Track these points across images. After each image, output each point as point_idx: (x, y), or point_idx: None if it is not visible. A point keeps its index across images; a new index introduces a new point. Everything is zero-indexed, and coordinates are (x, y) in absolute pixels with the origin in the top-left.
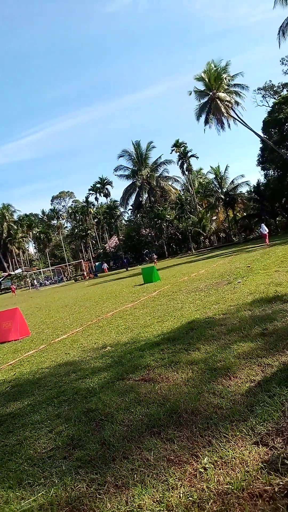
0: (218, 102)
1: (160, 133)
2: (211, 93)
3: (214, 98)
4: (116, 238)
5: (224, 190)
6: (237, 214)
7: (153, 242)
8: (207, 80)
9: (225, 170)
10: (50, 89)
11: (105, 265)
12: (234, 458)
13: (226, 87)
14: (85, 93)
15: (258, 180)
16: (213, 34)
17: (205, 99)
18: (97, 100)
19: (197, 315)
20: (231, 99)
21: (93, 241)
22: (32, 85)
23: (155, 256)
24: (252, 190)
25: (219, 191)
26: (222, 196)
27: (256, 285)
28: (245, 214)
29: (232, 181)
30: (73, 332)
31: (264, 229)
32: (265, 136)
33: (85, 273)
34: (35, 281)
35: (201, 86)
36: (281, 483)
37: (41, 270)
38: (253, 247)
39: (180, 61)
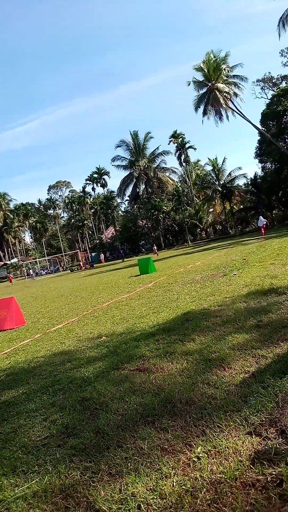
0: (217, 93)
1: (158, 123)
2: (209, 84)
3: (212, 89)
4: (113, 229)
5: (222, 182)
6: (234, 206)
7: (149, 233)
8: (206, 70)
9: (223, 162)
10: (48, 78)
11: (102, 256)
12: (227, 447)
13: (225, 78)
14: (83, 82)
15: (256, 173)
16: (213, 24)
17: (204, 90)
18: (95, 90)
19: (193, 307)
20: (230, 91)
21: (90, 232)
22: (30, 73)
23: (155, 246)
24: (249, 182)
25: (216, 183)
26: (219, 188)
27: (251, 278)
28: (241, 206)
29: (230, 174)
30: (69, 321)
31: (262, 221)
32: (263, 129)
33: (81, 263)
34: (31, 270)
35: (200, 77)
36: (274, 473)
37: (37, 259)
38: (249, 239)
39: (179, 51)
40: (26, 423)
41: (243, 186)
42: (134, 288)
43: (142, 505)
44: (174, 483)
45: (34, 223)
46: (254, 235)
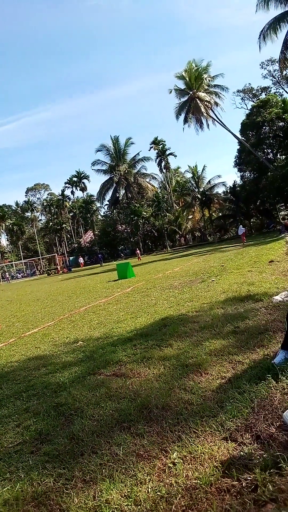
0: (198, 101)
1: (139, 129)
2: (191, 92)
3: (194, 98)
4: (92, 233)
5: (201, 190)
6: (213, 214)
7: (128, 238)
8: (187, 79)
9: (203, 170)
10: (27, 79)
11: (81, 259)
12: (203, 453)
13: (206, 87)
14: (63, 85)
15: (234, 181)
16: (195, 33)
17: (185, 98)
18: (75, 93)
19: (171, 312)
20: (211, 100)
21: (68, 235)
22: (9, 74)
23: (138, 251)
24: (228, 191)
25: (196, 190)
26: (199, 196)
27: (229, 284)
28: (220, 214)
29: (209, 181)
30: (45, 326)
31: (241, 230)
32: (243, 138)
33: (58, 267)
34: (6, 273)
35: (181, 85)
36: (248, 478)
37: (13, 262)
38: (227, 247)
39: (161, 59)
40: None
41: (222, 194)
42: (112, 293)
43: None
44: (149, 489)
45: (10, 226)
46: (233, 242)
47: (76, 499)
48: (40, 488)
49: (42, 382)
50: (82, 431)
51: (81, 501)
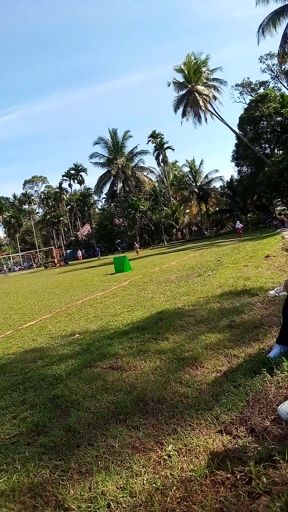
0: (196, 95)
1: (137, 123)
2: (189, 86)
3: (192, 91)
4: (89, 226)
5: (198, 184)
6: (210, 208)
7: (126, 232)
8: (186, 72)
9: (200, 164)
10: (25, 71)
11: (79, 253)
12: (198, 446)
13: (205, 80)
14: (62, 77)
15: (232, 176)
16: (194, 26)
17: (184, 91)
18: (74, 85)
19: (167, 306)
20: (209, 93)
21: (65, 228)
22: (7, 65)
23: (137, 244)
24: (226, 185)
25: (193, 184)
26: (196, 190)
27: (225, 279)
28: (217, 209)
29: (207, 176)
30: (42, 318)
31: (239, 225)
32: (241, 133)
33: (55, 260)
34: (4, 266)
35: (180, 78)
36: (243, 471)
37: (10, 255)
38: (224, 241)
39: (159, 51)
40: None
41: (219, 188)
42: (109, 286)
43: (111, 504)
44: (145, 481)
45: (8, 218)
46: (229, 237)
47: (72, 491)
48: (36, 480)
49: (39, 374)
50: (78, 423)
51: (77, 493)
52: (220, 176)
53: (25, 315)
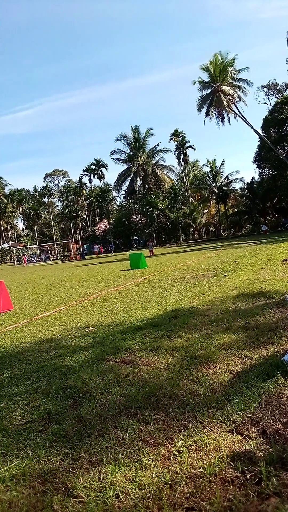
0: (221, 95)
1: (159, 121)
2: (214, 85)
3: (217, 91)
4: (106, 222)
5: (218, 185)
6: (228, 209)
7: (143, 229)
8: (212, 71)
9: (221, 164)
10: (50, 65)
11: (96, 247)
12: (208, 443)
13: (230, 80)
14: (87, 72)
15: (253, 178)
16: (222, 26)
17: (208, 91)
18: (98, 81)
19: (181, 304)
20: (234, 94)
21: (83, 223)
22: (33, 59)
23: (152, 242)
24: (246, 187)
25: (213, 184)
26: (216, 190)
27: (241, 280)
28: (236, 210)
29: (227, 176)
30: (57, 310)
31: (264, 227)
32: (264, 135)
33: (72, 253)
34: (25, 256)
35: (205, 77)
36: (253, 471)
37: (28, 246)
38: (241, 243)
39: (185, 50)
40: (8, 406)
41: (239, 190)
42: (124, 282)
43: (120, 494)
44: (154, 475)
45: (27, 210)
46: (247, 239)
47: (81, 479)
48: (47, 466)
49: (52, 364)
50: (90, 414)
51: (86, 481)
52: (241, 178)
53: (40, 305)
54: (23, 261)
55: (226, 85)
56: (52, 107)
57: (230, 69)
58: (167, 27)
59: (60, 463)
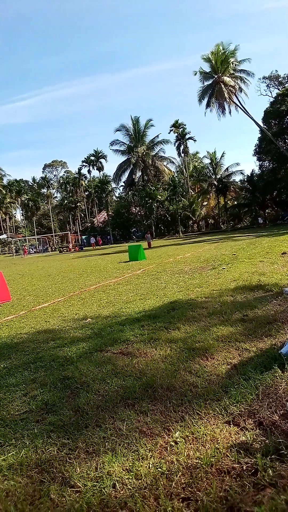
0: (222, 86)
1: (159, 112)
2: (216, 76)
3: (218, 82)
4: (105, 214)
5: (218, 177)
6: (228, 202)
7: (142, 221)
8: (213, 62)
9: (221, 156)
10: (51, 55)
11: (93, 239)
12: (205, 434)
13: (231, 71)
14: (86, 63)
15: (253, 170)
16: (224, 17)
17: (210, 82)
18: (98, 71)
19: (180, 296)
20: (235, 85)
21: (82, 214)
22: (33, 48)
23: (149, 234)
24: (246, 179)
25: (213, 177)
26: (215, 183)
27: (240, 273)
28: (235, 203)
29: (227, 168)
30: (55, 301)
31: (260, 220)
32: (265, 127)
33: (70, 245)
34: (25, 247)
35: (207, 68)
36: (249, 462)
37: (26, 237)
38: (240, 236)
39: (186, 41)
40: (5, 397)
41: (239, 182)
42: (123, 274)
43: (117, 484)
44: (150, 465)
45: (26, 201)
46: (246, 232)
47: (78, 469)
48: (44, 456)
49: (50, 355)
50: (87, 405)
51: (83, 471)
52: (241, 170)
53: (38, 296)
54: (24, 252)
55: (228, 76)
56: (52, 97)
57: (231, 59)
58: (168, 18)
59: (57, 453)
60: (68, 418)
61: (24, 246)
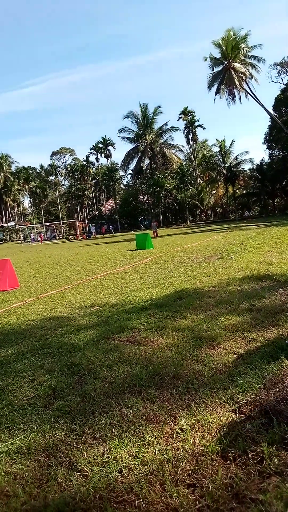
0: (232, 72)
1: (169, 99)
2: (226, 62)
3: (228, 68)
4: (113, 202)
5: (227, 165)
6: (237, 191)
7: (149, 209)
8: (224, 48)
9: (230, 144)
10: (58, 41)
11: (93, 228)
12: (211, 422)
13: (242, 58)
14: (95, 48)
15: (262, 159)
16: (236, 1)
17: (220, 68)
18: (107, 57)
19: (187, 285)
20: (246, 71)
21: (89, 202)
22: (40, 35)
23: (155, 223)
24: (255, 168)
25: (222, 165)
26: (224, 171)
27: (248, 263)
28: (244, 192)
29: (236, 157)
30: (62, 288)
31: None
32: (275, 114)
33: (78, 233)
34: (32, 235)
35: (217, 54)
36: (255, 450)
37: (34, 225)
38: (249, 225)
39: (196, 27)
40: (14, 382)
41: (248, 171)
42: (130, 262)
43: (123, 470)
44: (156, 452)
45: (34, 188)
46: (254, 221)
47: (85, 454)
48: (52, 441)
49: (58, 341)
50: (94, 391)
51: (90, 456)
52: (250, 158)
53: (46, 284)
54: (40, 240)
55: (238, 63)
56: (58, 83)
57: (242, 45)
58: (177, 2)
59: (64, 438)
60: (75, 404)
61: (41, 233)
